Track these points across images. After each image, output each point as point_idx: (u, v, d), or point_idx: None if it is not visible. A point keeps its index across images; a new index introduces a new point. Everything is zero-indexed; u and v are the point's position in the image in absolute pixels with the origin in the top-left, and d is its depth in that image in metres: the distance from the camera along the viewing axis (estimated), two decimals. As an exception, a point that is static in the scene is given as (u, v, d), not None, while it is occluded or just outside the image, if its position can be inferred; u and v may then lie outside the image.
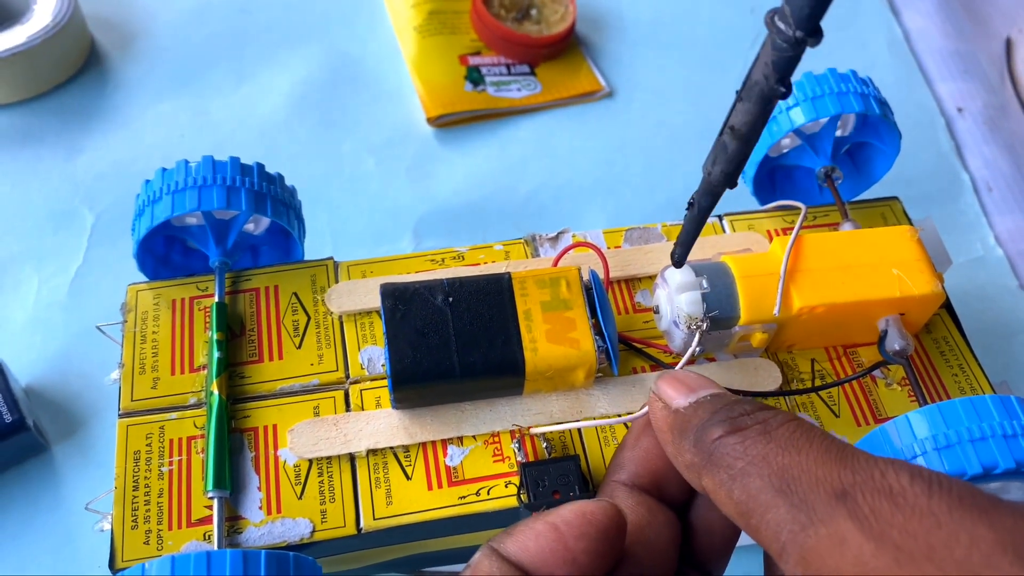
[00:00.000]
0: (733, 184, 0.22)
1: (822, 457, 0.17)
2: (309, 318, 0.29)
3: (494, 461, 0.26)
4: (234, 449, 0.26)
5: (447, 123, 0.49)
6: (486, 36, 0.52)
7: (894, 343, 0.27)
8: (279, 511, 0.26)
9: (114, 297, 0.30)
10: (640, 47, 0.54)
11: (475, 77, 0.50)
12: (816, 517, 0.16)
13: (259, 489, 0.26)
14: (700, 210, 0.23)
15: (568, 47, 0.53)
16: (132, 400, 0.27)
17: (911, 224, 0.32)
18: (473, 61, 0.51)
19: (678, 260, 0.25)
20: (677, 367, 0.26)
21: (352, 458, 0.26)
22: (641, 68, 0.53)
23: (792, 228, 0.32)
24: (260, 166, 0.30)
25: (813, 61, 0.52)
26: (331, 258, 0.31)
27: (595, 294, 0.27)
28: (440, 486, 0.26)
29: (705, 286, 0.27)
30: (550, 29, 0.52)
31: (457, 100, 0.49)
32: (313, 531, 0.25)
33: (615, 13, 0.56)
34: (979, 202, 0.47)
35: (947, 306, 0.30)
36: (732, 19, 0.55)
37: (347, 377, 0.28)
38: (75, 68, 0.50)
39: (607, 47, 0.54)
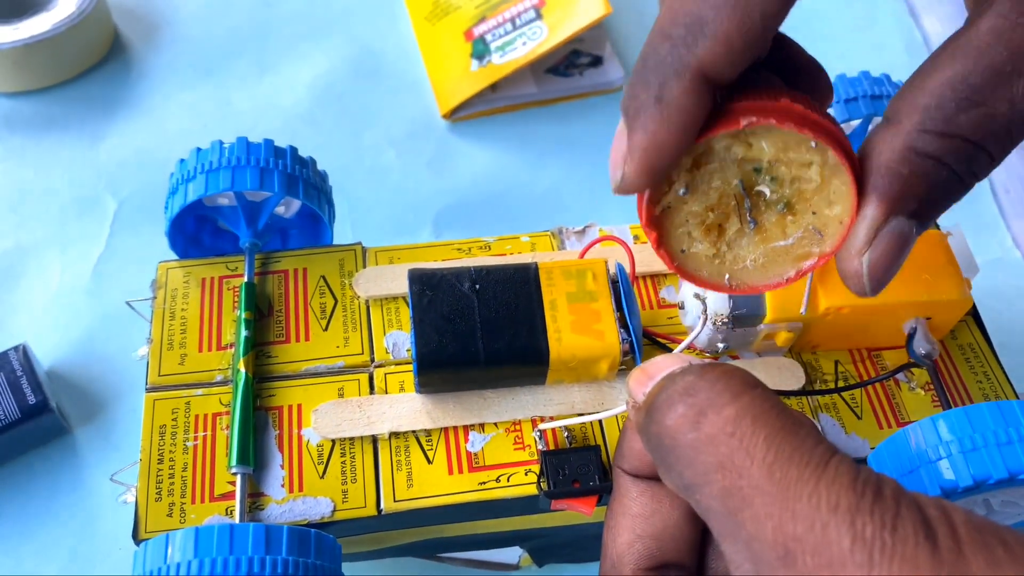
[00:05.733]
0: None
1: (764, 483, 0.16)
2: (336, 301, 0.29)
3: (515, 449, 0.27)
4: (258, 427, 0.27)
5: (462, 118, 0.49)
6: None
7: (920, 346, 0.27)
8: (301, 489, 0.26)
9: (136, 283, 0.30)
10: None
11: (480, 50, 0.50)
12: (762, 574, 0.15)
13: (282, 467, 0.26)
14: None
15: None
16: (159, 375, 0.28)
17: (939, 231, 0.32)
18: (477, 31, 0.51)
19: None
20: (675, 351, 0.25)
21: (375, 440, 0.27)
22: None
23: (819, 230, 0.32)
24: (293, 149, 0.30)
25: (832, 64, 0.52)
26: (359, 243, 0.31)
27: (621, 287, 0.27)
28: (460, 471, 0.26)
29: (732, 283, 0.27)
30: None
31: (465, 84, 0.49)
32: (334, 510, 0.25)
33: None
34: (996, 204, 0.48)
35: (974, 313, 0.30)
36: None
37: (372, 360, 0.28)
38: (99, 56, 0.51)
39: (619, 43, 0.54)
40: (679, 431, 0.17)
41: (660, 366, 0.19)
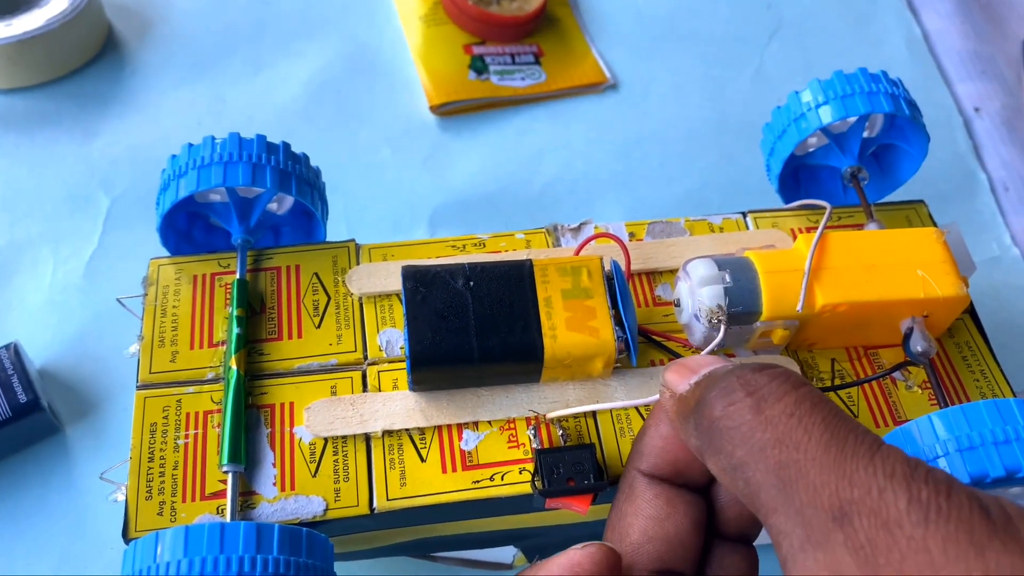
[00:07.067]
0: None
1: (821, 456, 0.17)
2: (329, 298, 0.29)
3: (509, 447, 0.26)
4: (250, 425, 0.26)
5: (451, 111, 0.49)
6: (453, 14, 0.52)
7: (917, 344, 0.27)
8: (293, 488, 0.26)
9: (129, 280, 0.30)
10: (656, 41, 0.54)
11: (479, 66, 0.50)
12: (814, 537, 0.16)
13: (274, 465, 0.26)
14: None
15: (566, 33, 0.53)
16: (150, 372, 0.27)
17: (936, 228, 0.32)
18: (477, 51, 0.51)
19: None
20: (703, 353, 0.26)
21: (367, 438, 0.26)
22: (657, 62, 0.53)
23: (816, 228, 0.32)
24: (286, 145, 0.30)
25: (831, 60, 0.52)
26: (353, 240, 0.31)
27: (616, 284, 0.27)
28: (454, 470, 0.26)
29: (728, 280, 0.27)
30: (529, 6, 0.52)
31: (461, 88, 0.49)
32: (326, 509, 0.25)
33: (630, 6, 0.56)
34: (996, 202, 0.48)
35: (971, 311, 0.30)
36: (748, 15, 0.55)
37: (365, 358, 0.28)
38: (92, 53, 0.50)
39: (618, 40, 0.54)
40: (739, 413, 0.18)
41: (701, 363, 0.21)
